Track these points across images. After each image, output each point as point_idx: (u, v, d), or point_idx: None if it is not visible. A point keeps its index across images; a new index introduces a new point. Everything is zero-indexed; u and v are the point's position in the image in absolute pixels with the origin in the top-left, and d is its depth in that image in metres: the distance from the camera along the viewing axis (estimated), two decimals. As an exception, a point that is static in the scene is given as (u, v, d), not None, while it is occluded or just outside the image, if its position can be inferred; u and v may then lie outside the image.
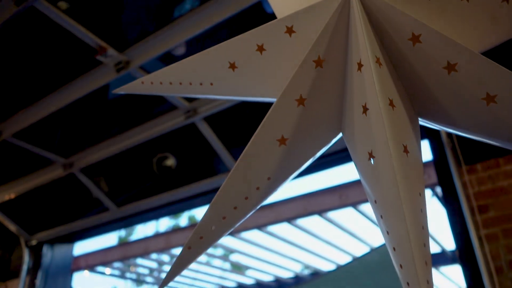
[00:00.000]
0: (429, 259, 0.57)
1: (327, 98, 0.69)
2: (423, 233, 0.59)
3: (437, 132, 2.42)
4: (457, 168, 2.32)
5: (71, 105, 2.84)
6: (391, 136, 0.60)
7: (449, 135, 2.38)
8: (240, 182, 0.68)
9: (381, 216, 0.61)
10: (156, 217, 4.01)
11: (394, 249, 0.59)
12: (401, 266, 0.58)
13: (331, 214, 4.26)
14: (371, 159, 0.62)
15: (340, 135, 0.72)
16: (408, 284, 0.56)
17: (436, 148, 2.47)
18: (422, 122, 0.72)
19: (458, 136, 2.33)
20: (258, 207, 0.70)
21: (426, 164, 3.05)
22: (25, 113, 3.00)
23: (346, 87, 0.68)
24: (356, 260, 3.73)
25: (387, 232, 0.61)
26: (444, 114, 0.67)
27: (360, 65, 0.63)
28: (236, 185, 0.68)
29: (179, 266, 0.68)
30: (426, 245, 0.59)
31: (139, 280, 8.36)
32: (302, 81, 0.66)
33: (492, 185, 2.19)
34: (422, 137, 2.55)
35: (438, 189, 3.76)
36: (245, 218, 0.71)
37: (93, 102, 2.99)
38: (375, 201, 0.63)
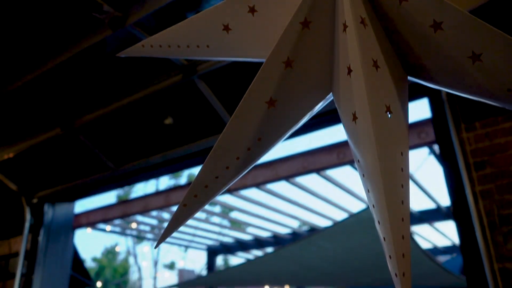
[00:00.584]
0: (407, 216, 0.60)
1: (315, 59, 0.69)
2: (401, 192, 0.61)
3: (436, 90, 2.40)
4: (456, 125, 2.32)
5: (67, 63, 2.79)
6: (372, 97, 0.61)
7: (449, 93, 2.36)
8: (231, 143, 0.69)
9: (363, 175, 0.64)
10: (156, 175, 4.04)
11: (373, 206, 0.62)
12: (378, 222, 0.61)
13: (329, 172, 4.30)
14: (355, 121, 0.63)
15: (331, 96, 0.73)
16: (384, 239, 0.60)
17: (435, 106, 2.46)
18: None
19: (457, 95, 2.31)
20: (250, 167, 0.72)
21: (425, 122, 3.05)
22: (21, 71, 2.96)
23: (334, 49, 0.69)
24: (352, 216, 3.80)
25: (368, 191, 0.63)
26: (432, 73, 0.67)
27: (345, 26, 0.64)
28: (227, 146, 0.69)
29: (175, 223, 0.70)
30: (404, 203, 0.61)
31: (139, 237, 8.56)
32: (289, 42, 0.66)
33: (489, 142, 2.20)
34: (422, 95, 2.53)
35: (436, 147, 3.78)
36: (238, 177, 0.72)
37: (90, 60, 2.95)
38: (358, 161, 0.65)
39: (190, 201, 0.70)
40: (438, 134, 2.47)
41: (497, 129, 2.21)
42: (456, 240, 7.76)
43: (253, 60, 0.80)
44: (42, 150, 3.88)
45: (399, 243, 0.58)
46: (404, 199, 0.61)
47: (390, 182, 0.60)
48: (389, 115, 0.63)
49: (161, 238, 0.71)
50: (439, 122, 2.45)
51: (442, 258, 8.63)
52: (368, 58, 0.63)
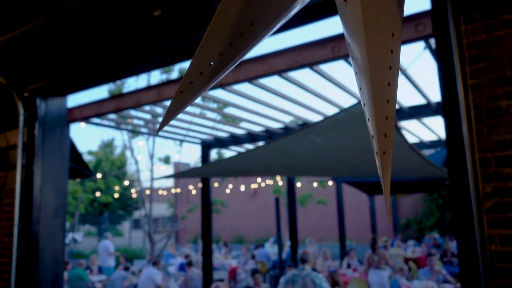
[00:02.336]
0: (392, 114, 0.62)
1: None
2: (388, 90, 0.62)
3: (439, -23, 2.28)
4: (455, 17, 2.25)
5: None
6: None
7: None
8: (223, 28, 0.68)
9: (356, 73, 0.64)
10: (146, 69, 3.98)
11: (364, 104, 0.64)
12: (368, 120, 0.63)
13: (322, 67, 4.25)
14: (346, 0, 0.62)
15: None
16: (372, 137, 0.63)
17: (436, -4, 2.35)
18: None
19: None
20: (243, 54, 0.71)
21: (423, 13, 2.94)
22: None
23: None
24: (343, 111, 3.85)
25: (360, 88, 0.64)
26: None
27: None
28: (219, 31, 0.68)
29: (173, 110, 0.71)
30: (390, 101, 0.62)
31: (134, 131, 8.71)
32: None
33: (487, 36, 2.16)
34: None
35: (432, 41, 3.70)
36: (233, 65, 0.72)
37: None
38: (352, 58, 0.65)
39: (186, 88, 0.70)
40: (435, 26, 2.41)
41: (497, 21, 2.15)
42: (442, 135, 8.02)
43: None
44: (28, 42, 3.74)
45: (381, 123, 0.61)
46: (390, 98, 0.62)
47: (378, 80, 0.61)
48: (378, 11, 0.61)
49: (160, 126, 0.73)
50: (438, 14, 2.37)
51: (427, 152, 8.99)
52: None
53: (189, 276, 8.32)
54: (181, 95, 0.70)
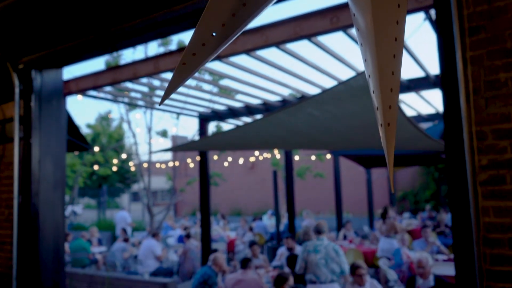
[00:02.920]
0: (396, 86, 0.62)
1: None
2: (393, 62, 0.62)
3: None
4: (456, -13, 2.21)
5: None
6: None
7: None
8: None
9: (361, 45, 0.64)
10: (143, 40, 3.92)
11: (369, 76, 0.64)
12: (373, 92, 0.63)
13: (321, 39, 4.20)
14: None
15: None
16: (377, 109, 0.63)
17: (437, -35, 2.30)
18: None
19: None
20: (245, 25, 0.71)
21: (424, -16, 2.89)
22: None
23: None
24: (341, 84, 3.83)
25: (365, 60, 0.64)
26: None
27: None
28: (221, 1, 0.67)
29: (175, 81, 0.71)
30: (394, 73, 0.63)
31: (131, 104, 8.67)
32: None
33: (488, 6, 2.13)
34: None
35: (432, 12, 3.65)
36: (235, 35, 0.72)
37: None
38: (357, 29, 0.64)
39: (189, 60, 0.70)
40: (436, -3, 2.37)
41: (498, -10, 2.11)
42: (440, 108, 8.00)
43: None
44: (21, 12, 3.67)
45: (386, 95, 0.61)
46: (395, 70, 0.62)
47: (383, 50, 0.61)
48: None
49: (164, 96, 0.73)
50: (439, -16, 2.32)
51: (425, 125, 9.00)
52: None
53: (188, 248, 8.46)
54: (184, 66, 0.70)
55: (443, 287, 4.59)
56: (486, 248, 2.10)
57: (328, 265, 5.23)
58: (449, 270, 5.81)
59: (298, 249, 7.23)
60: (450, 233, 9.20)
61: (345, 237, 10.50)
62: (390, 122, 0.62)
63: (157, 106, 7.93)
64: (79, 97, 5.94)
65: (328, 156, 13.70)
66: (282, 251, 7.65)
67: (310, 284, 5.30)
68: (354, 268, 4.95)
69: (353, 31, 4.05)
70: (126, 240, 9.24)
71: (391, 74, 0.62)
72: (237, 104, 7.98)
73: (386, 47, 0.61)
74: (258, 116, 8.02)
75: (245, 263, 5.49)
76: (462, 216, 2.23)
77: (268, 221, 14.28)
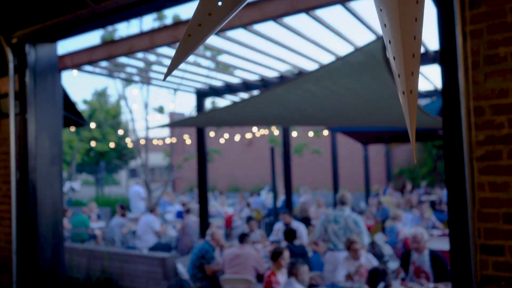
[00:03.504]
0: (418, 52, 0.61)
1: None
2: (415, 26, 0.61)
3: None
4: (457, -41, 2.16)
5: None
6: None
7: None
8: None
9: (380, 9, 0.63)
10: (137, 14, 3.85)
11: (389, 42, 0.63)
12: (394, 58, 0.62)
13: (319, 12, 4.13)
14: None
15: None
16: (398, 76, 0.62)
17: None
18: None
19: None
20: None
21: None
22: None
23: None
24: (339, 59, 3.79)
25: (384, 25, 0.63)
26: None
27: None
28: None
29: (181, 53, 0.70)
30: (416, 38, 0.61)
31: (128, 80, 8.59)
32: None
33: (489, -21, 2.09)
34: None
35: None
36: (242, 4, 0.70)
37: None
38: None
39: (194, 31, 0.68)
40: (437, -31, 2.32)
41: (501, -37, 2.07)
42: (438, 84, 7.97)
43: None
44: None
45: (409, 61, 0.60)
46: (417, 34, 0.61)
47: (406, 13, 0.60)
48: None
49: (169, 69, 0.71)
50: (440, -45, 2.27)
51: (423, 102, 8.98)
52: None
53: (186, 223, 8.55)
54: (189, 38, 0.69)
55: (438, 262, 4.67)
56: (480, 222, 2.12)
57: (346, 236, 5.47)
58: (444, 245, 5.90)
59: (294, 224, 7.31)
60: (446, 209, 9.31)
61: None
62: (413, 89, 0.62)
63: (153, 81, 7.86)
64: (74, 72, 5.87)
65: (326, 132, 13.71)
66: (279, 226, 7.74)
67: (329, 251, 5.61)
68: (349, 243, 5.03)
69: (351, 4, 3.98)
70: (123, 215, 9.32)
71: (413, 39, 0.61)
72: (235, 80, 7.92)
73: (408, 10, 0.60)
74: (256, 92, 7.97)
75: (242, 238, 5.56)
76: (458, 192, 2.25)
77: (265, 197, 14.40)
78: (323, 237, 5.67)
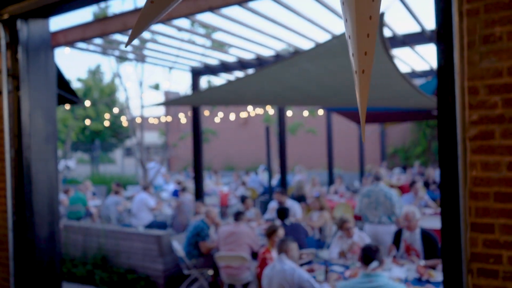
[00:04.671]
0: (373, 32, 0.62)
1: None
2: (371, 5, 0.60)
3: None
4: None
5: None
6: None
7: None
8: None
9: (343, 3, 0.62)
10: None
11: (346, 20, 0.62)
12: (349, 37, 0.62)
13: (316, -10, 4.08)
14: None
15: None
16: (352, 55, 0.63)
17: None
18: None
19: None
20: None
21: None
22: None
23: None
24: (335, 38, 3.76)
25: (346, 20, 0.62)
26: None
27: None
28: None
29: (143, 20, 0.67)
30: (372, 18, 0.61)
31: (122, 57, 8.49)
32: None
33: (488, -44, 2.06)
34: None
35: (431, -37, 3.54)
36: None
37: None
38: None
39: None
40: None
41: None
42: (434, 64, 7.95)
43: None
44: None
45: (363, 40, 0.60)
46: (373, 14, 0.61)
47: (361, 13, 0.59)
48: None
49: (130, 37, 0.68)
50: None
51: (418, 81, 8.97)
52: None
53: (182, 201, 8.60)
54: (152, 5, 0.65)
55: (428, 240, 4.76)
56: (472, 201, 2.15)
57: (377, 209, 5.94)
58: (436, 223, 6.00)
59: (288, 203, 7.38)
60: (438, 188, 9.42)
61: (336, 192, 10.71)
62: (365, 69, 0.61)
63: (148, 59, 7.78)
64: (67, 49, 5.80)
65: (321, 112, 13.70)
66: (273, 205, 7.81)
67: (366, 223, 6.15)
68: (341, 222, 5.10)
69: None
70: (118, 193, 9.36)
71: (369, 19, 0.60)
72: (230, 59, 7.85)
73: (363, 8, 0.60)
74: (251, 71, 7.92)
75: (237, 216, 5.62)
76: (450, 171, 2.27)
77: (260, 176, 14.49)
78: (362, 212, 6.19)
